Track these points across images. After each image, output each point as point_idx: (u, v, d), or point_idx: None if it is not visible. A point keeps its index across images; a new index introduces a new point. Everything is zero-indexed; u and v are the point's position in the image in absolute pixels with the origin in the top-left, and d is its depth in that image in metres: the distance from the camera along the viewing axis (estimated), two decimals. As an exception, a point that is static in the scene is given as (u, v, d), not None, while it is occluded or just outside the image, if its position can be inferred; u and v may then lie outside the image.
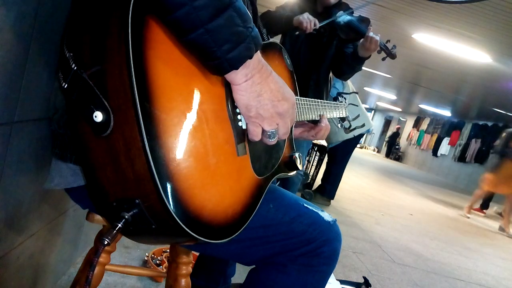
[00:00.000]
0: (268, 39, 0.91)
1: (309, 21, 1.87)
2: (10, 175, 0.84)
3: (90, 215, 0.86)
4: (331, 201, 4.18)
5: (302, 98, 0.94)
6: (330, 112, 1.14)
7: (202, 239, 0.55)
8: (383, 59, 2.04)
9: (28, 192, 0.97)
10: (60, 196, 1.22)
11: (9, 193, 0.87)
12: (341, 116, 1.25)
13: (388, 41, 1.99)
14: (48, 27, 0.83)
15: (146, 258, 1.75)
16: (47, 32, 0.83)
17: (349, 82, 3.73)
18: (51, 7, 0.83)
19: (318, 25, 1.89)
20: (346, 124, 1.30)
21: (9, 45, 0.71)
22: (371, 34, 1.88)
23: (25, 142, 0.87)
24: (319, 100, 1.05)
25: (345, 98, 1.30)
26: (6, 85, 0.74)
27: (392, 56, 2.00)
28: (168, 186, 0.51)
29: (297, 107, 0.90)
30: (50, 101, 0.70)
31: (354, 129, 1.31)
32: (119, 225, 0.52)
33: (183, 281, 0.96)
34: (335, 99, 1.28)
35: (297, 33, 1.96)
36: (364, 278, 2.19)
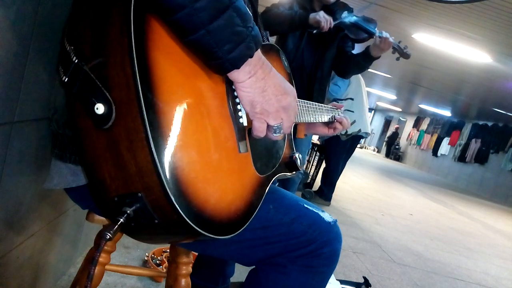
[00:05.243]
0: (268, 41, 0.91)
1: (325, 20, 1.89)
2: (10, 175, 0.84)
3: (90, 215, 0.86)
4: (331, 201, 4.19)
5: (299, 100, 0.94)
6: (324, 116, 1.11)
7: (206, 233, 0.54)
8: (397, 59, 2.07)
9: (28, 192, 0.96)
10: (60, 196, 1.22)
11: (9, 193, 0.87)
12: None
13: (400, 41, 2.03)
14: (48, 27, 0.83)
15: (146, 258, 1.75)
16: (47, 32, 0.83)
17: (357, 80, 3.80)
18: (51, 7, 0.83)
19: (333, 23, 1.93)
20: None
21: (9, 45, 0.71)
22: (384, 34, 1.92)
23: (25, 142, 0.87)
24: (313, 103, 1.04)
25: None
26: (6, 85, 0.73)
27: (405, 56, 2.03)
28: (172, 179, 0.50)
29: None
30: (50, 101, 0.70)
31: (351, 134, 1.32)
32: (121, 220, 0.51)
33: (183, 281, 0.96)
34: None
35: (314, 31, 1.99)
36: (364, 278, 2.19)
